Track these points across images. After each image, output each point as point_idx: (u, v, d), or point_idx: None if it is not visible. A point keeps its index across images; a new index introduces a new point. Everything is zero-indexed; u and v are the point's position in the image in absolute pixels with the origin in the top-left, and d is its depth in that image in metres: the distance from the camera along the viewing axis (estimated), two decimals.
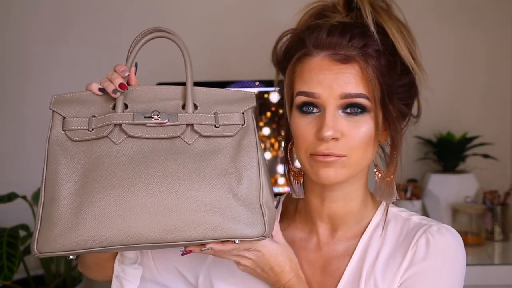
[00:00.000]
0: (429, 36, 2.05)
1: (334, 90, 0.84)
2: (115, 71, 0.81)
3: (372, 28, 0.86)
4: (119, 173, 0.76)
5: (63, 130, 0.80)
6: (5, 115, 2.06)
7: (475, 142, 2.01)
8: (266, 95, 1.83)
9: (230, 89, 0.87)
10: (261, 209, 0.78)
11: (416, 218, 0.92)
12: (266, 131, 1.84)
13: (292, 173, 0.97)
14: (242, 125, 0.83)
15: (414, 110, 0.95)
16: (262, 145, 1.83)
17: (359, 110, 0.86)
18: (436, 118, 2.04)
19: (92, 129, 0.80)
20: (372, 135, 0.87)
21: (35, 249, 0.74)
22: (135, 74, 0.83)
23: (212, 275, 0.96)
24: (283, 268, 0.87)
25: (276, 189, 1.83)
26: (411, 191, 1.97)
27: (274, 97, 1.81)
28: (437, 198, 1.96)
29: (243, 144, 0.81)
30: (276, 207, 1.01)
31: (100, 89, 0.81)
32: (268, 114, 1.83)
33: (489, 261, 1.79)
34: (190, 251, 0.82)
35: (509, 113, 2.16)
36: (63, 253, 0.74)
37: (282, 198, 1.04)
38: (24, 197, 1.70)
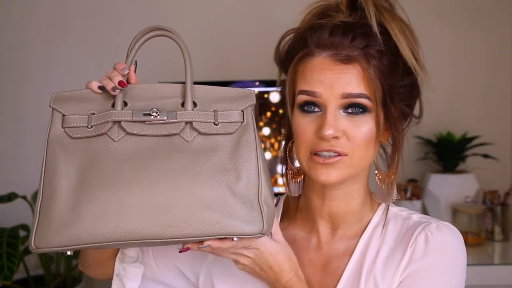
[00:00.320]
0: (429, 36, 2.04)
1: (336, 89, 0.85)
2: (114, 69, 0.82)
3: (376, 28, 0.86)
4: (117, 170, 0.76)
5: (62, 127, 0.80)
6: (5, 115, 2.06)
7: (475, 142, 2.01)
8: (266, 95, 1.82)
9: (230, 87, 0.87)
10: (260, 207, 0.78)
11: (416, 216, 0.92)
12: (266, 131, 1.83)
13: (291, 171, 0.97)
14: (242, 122, 0.82)
15: (416, 111, 0.95)
16: (262, 145, 1.83)
17: (360, 110, 0.86)
18: (436, 118, 2.04)
19: (91, 127, 0.80)
20: (373, 135, 0.87)
21: (33, 245, 0.75)
22: (135, 72, 0.83)
23: (213, 274, 0.96)
24: (282, 267, 0.87)
25: (276, 189, 1.83)
26: (411, 191, 1.97)
27: (274, 97, 1.81)
28: (437, 198, 1.96)
29: (242, 142, 0.81)
30: (276, 206, 1.01)
31: (99, 87, 0.81)
32: (268, 114, 1.83)
33: (489, 261, 1.79)
34: (188, 249, 0.81)
35: (509, 113, 2.16)
36: (60, 248, 0.75)
37: (283, 197, 1.04)
38: (24, 197, 1.71)
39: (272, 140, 1.84)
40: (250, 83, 1.83)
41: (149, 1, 2.08)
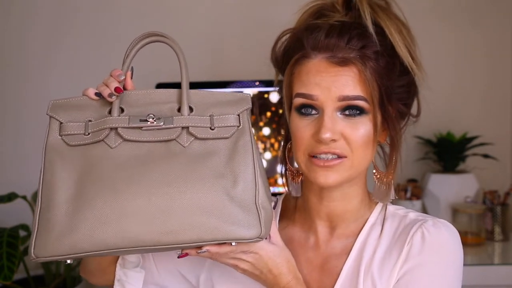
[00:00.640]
0: (429, 36, 2.05)
1: (332, 92, 0.85)
2: (111, 75, 0.82)
3: (371, 29, 0.86)
4: (114, 177, 0.77)
5: (60, 135, 0.81)
6: (5, 115, 2.06)
7: (475, 142, 2.01)
8: (266, 95, 1.83)
9: (226, 91, 0.87)
10: (257, 211, 0.78)
11: (413, 214, 0.92)
12: (266, 131, 1.83)
13: (290, 172, 0.97)
14: (238, 126, 0.82)
15: (414, 110, 0.95)
16: (262, 145, 1.84)
17: (357, 112, 0.86)
18: (436, 118, 2.04)
19: (88, 134, 0.80)
20: (371, 136, 0.87)
21: (32, 254, 0.75)
22: (131, 78, 0.84)
23: (213, 275, 0.96)
24: (281, 270, 0.86)
25: (276, 189, 1.83)
26: (411, 191, 1.97)
27: (274, 97, 1.81)
28: (437, 198, 1.96)
29: (238, 146, 0.81)
30: (275, 206, 1.01)
31: (96, 94, 0.82)
32: (268, 114, 1.83)
33: (489, 261, 1.79)
34: (187, 254, 0.81)
35: (509, 113, 2.16)
36: (60, 257, 0.75)
37: (282, 197, 1.04)
38: (24, 197, 1.70)
39: (272, 140, 1.84)
40: (250, 83, 1.83)
41: (150, 2, 2.08)
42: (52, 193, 0.77)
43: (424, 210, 1.99)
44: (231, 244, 0.78)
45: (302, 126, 0.88)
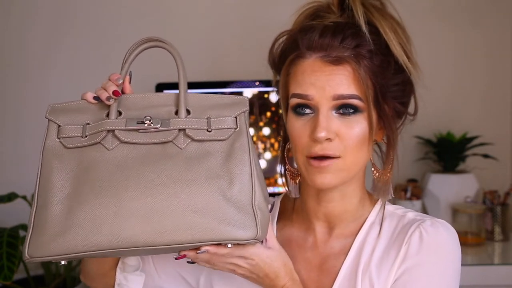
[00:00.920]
0: (429, 36, 2.05)
1: (327, 91, 0.85)
2: (109, 79, 0.83)
3: (364, 28, 0.86)
4: (110, 178, 0.77)
5: (57, 137, 0.81)
6: (5, 115, 2.06)
7: (475, 142, 2.01)
8: (266, 95, 1.83)
9: (224, 91, 0.88)
10: (253, 212, 0.78)
11: (411, 214, 0.93)
12: (266, 131, 1.84)
13: (290, 173, 0.97)
14: (235, 129, 0.83)
15: (412, 109, 0.95)
16: (262, 145, 1.84)
17: (352, 110, 0.86)
18: (436, 118, 2.04)
19: (86, 136, 0.81)
20: (366, 135, 0.87)
21: (26, 254, 0.75)
22: (130, 83, 0.84)
23: (213, 276, 0.96)
24: (277, 273, 0.86)
25: (276, 189, 1.83)
26: (411, 191, 1.97)
27: (274, 97, 1.81)
28: (437, 198, 1.96)
29: (235, 148, 0.81)
30: (273, 207, 1.02)
31: (94, 97, 0.82)
32: (268, 114, 1.83)
33: (489, 261, 1.79)
34: (184, 256, 0.81)
35: (509, 113, 2.16)
36: (54, 257, 0.75)
37: (280, 198, 1.04)
38: (24, 197, 1.70)
39: (272, 140, 1.84)
40: (250, 83, 1.83)
41: (149, 2, 2.08)
42: (48, 194, 0.77)
43: (424, 210, 1.99)
44: (227, 245, 0.78)
45: (298, 126, 0.88)
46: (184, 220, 0.75)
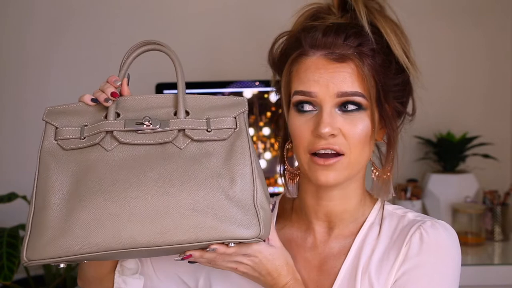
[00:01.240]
0: (430, 36, 2.05)
1: (330, 89, 0.85)
2: (107, 81, 0.83)
3: (367, 28, 0.87)
4: (110, 179, 0.76)
5: (55, 139, 0.81)
6: (4, 115, 2.06)
7: (475, 142, 2.01)
8: (266, 95, 1.83)
9: (222, 95, 0.87)
10: (256, 210, 0.78)
11: (411, 214, 0.93)
12: (266, 131, 1.83)
13: (288, 173, 0.97)
14: (235, 129, 0.82)
15: (410, 109, 0.96)
16: (262, 145, 1.84)
17: (355, 107, 0.86)
18: (436, 118, 2.04)
19: (84, 138, 0.80)
20: (369, 132, 0.88)
21: (24, 257, 0.74)
22: (128, 85, 0.84)
23: (212, 278, 0.96)
24: (280, 272, 0.87)
25: (276, 189, 1.83)
26: (411, 191, 1.97)
27: (274, 97, 1.81)
28: (437, 198, 1.96)
29: (235, 147, 0.81)
30: (273, 208, 1.02)
31: (92, 99, 0.82)
32: (268, 114, 1.83)
33: (489, 261, 1.79)
34: (190, 256, 0.81)
35: (509, 113, 2.16)
36: (53, 260, 0.74)
37: (279, 198, 1.04)
38: (24, 197, 1.70)
39: (272, 140, 1.84)
40: (250, 83, 1.83)
41: (149, 2, 2.08)
42: (46, 196, 0.76)
43: (424, 210, 1.99)
44: (229, 245, 0.78)
45: (301, 124, 0.88)
46: (186, 219, 0.75)
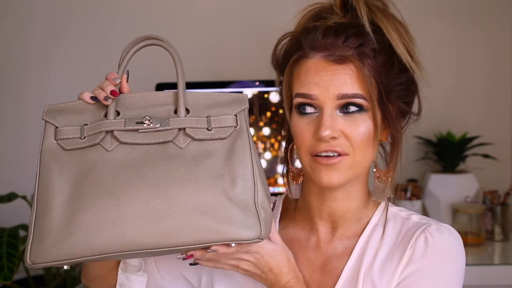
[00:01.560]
0: (430, 36, 2.05)
1: (331, 91, 0.85)
2: (106, 79, 0.82)
3: (368, 27, 0.87)
4: (111, 180, 0.76)
5: (55, 139, 0.80)
6: (4, 115, 2.06)
7: (475, 142, 2.01)
8: (266, 95, 1.82)
9: (222, 92, 0.87)
10: (257, 211, 0.78)
11: (416, 217, 0.92)
12: (266, 131, 1.83)
13: (292, 173, 0.97)
14: (235, 127, 0.82)
15: (415, 108, 0.95)
16: (262, 145, 1.84)
17: (357, 109, 0.86)
18: (436, 118, 2.03)
19: (84, 137, 0.79)
20: (372, 134, 0.87)
21: (28, 260, 0.74)
22: (127, 81, 0.84)
23: (214, 276, 0.96)
24: (281, 269, 0.87)
25: (277, 189, 1.83)
26: (411, 191, 1.96)
27: (274, 97, 1.81)
28: (437, 198, 1.96)
29: (236, 146, 0.80)
30: (275, 206, 1.02)
31: (92, 98, 0.81)
32: (268, 114, 1.83)
33: (489, 261, 1.79)
34: (192, 256, 0.81)
35: (510, 113, 2.16)
36: (56, 262, 0.74)
37: (282, 197, 1.04)
38: (24, 197, 1.70)
39: (272, 140, 1.83)
40: (250, 83, 1.83)
41: (149, 1, 2.08)
42: (48, 198, 0.76)
43: (424, 210, 1.99)
44: (230, 245, 0.78)
45: (302, 126, 0.88)
46: (187, 221, 0.74)
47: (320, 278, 0.92)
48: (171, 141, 0.80)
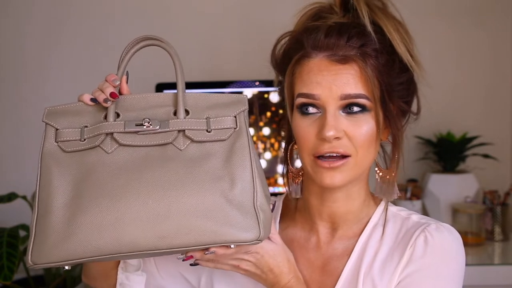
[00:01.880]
0: (430, 36, 2.05)
1: (334, 91, 0.85)
2: (106, 80, 0.82)
3: (369, 27, 0.86)
4: (111, 182, 0.76)
5: (56, 141, 0.80)
6: (4, 115, 2.06)
7: (475, 142, 2.01)
8: (266, 95, 1.82)
9: (223, 91, 0.87)
10: (256, 213, 0.78)
11: (415, 217, 0.92)
12: (266, 131, 1.83)
13: (291, 174, 0.97)
14: (235, 128, 0.82)
15: (414, 108, 0.95)
16: (262, 145, 1.83)
17: (360, 109, 0.86)
18: (436, 118, 2.03)
19: (84, 139, 0.80)
20: (374, 133, 0.87)
21: (30, 261, 0.75)
22: (126, 83, 0.84)
23: (214, 276, 0.96)
24: (281, 269, 0.87)
25: (276, 189, 1.83)
26: (411, 191, 1.97)
27: (274, 97, 1.81)
28: (437, 198, 1.96)
29: (235, 148, 0.80)
30: (275, 207, 1.02)
31: (91, 99, 0.81)
32: (268, 114, 1.83)
33: (489, 261, 1.79)
34: (191, 257, 0.81)
35: (510, 113, 2.16)
36: (57, 263, 0.75)
37: (282, 197, 1.04)
38: (24, 197, 1.70)
39: (272, 140, 1.83)
40: (250, 83, 1.83)
41: (149, 1, 2.08)
42: (49, 200, 0.77)
43: (424, 210, 1.99)
44: (229, 247, 0.78)
45: (305, 126, 0.88)
46: (186, 223, 0.75)
47: (320, 278, 0.92)
48: (171, 143, 0.80)
